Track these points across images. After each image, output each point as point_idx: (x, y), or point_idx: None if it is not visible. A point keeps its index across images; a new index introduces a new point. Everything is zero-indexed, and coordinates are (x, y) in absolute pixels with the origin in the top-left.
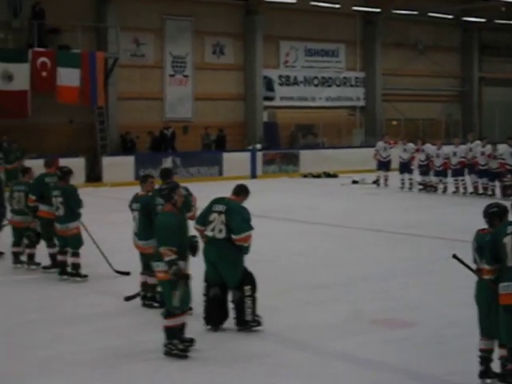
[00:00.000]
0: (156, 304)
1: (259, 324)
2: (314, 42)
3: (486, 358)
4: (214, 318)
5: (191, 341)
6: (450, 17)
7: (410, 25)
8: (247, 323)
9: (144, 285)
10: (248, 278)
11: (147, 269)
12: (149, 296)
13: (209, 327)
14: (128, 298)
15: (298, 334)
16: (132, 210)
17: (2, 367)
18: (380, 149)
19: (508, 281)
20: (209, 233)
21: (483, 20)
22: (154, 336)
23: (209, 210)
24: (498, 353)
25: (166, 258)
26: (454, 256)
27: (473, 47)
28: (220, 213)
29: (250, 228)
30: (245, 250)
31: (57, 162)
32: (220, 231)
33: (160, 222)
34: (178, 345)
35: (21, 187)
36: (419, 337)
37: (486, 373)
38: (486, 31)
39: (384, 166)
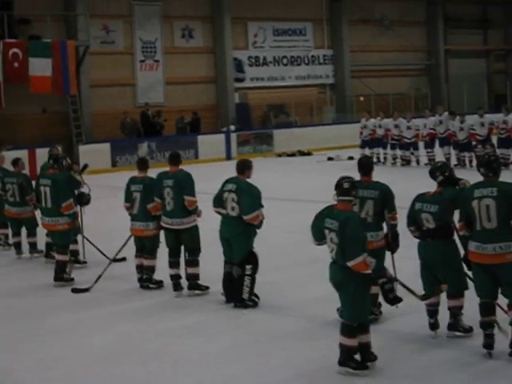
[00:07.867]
0: (152, 285)
1: (255, 304)
2: (281, 21)
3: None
4: (228, 293)
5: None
6: None
7: (375, 1)
8: (243, 301)
9: (140, 267)
10: (252, 258)
11: (142, 251)
12: (144, 278)
13: (226, 301)
14: (75, 290)
15: (306, 307)
16: (131, 191)
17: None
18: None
19: (477, 241)
20: (223, 211)
21: None
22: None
23: (221, 190)
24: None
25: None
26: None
27: (437, 20)
28: (230, 191)
29: (259, 206)
30: (257, 226)
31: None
32: (233, 209)
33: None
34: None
35: (13, 179)
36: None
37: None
38: (450, 4)
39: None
